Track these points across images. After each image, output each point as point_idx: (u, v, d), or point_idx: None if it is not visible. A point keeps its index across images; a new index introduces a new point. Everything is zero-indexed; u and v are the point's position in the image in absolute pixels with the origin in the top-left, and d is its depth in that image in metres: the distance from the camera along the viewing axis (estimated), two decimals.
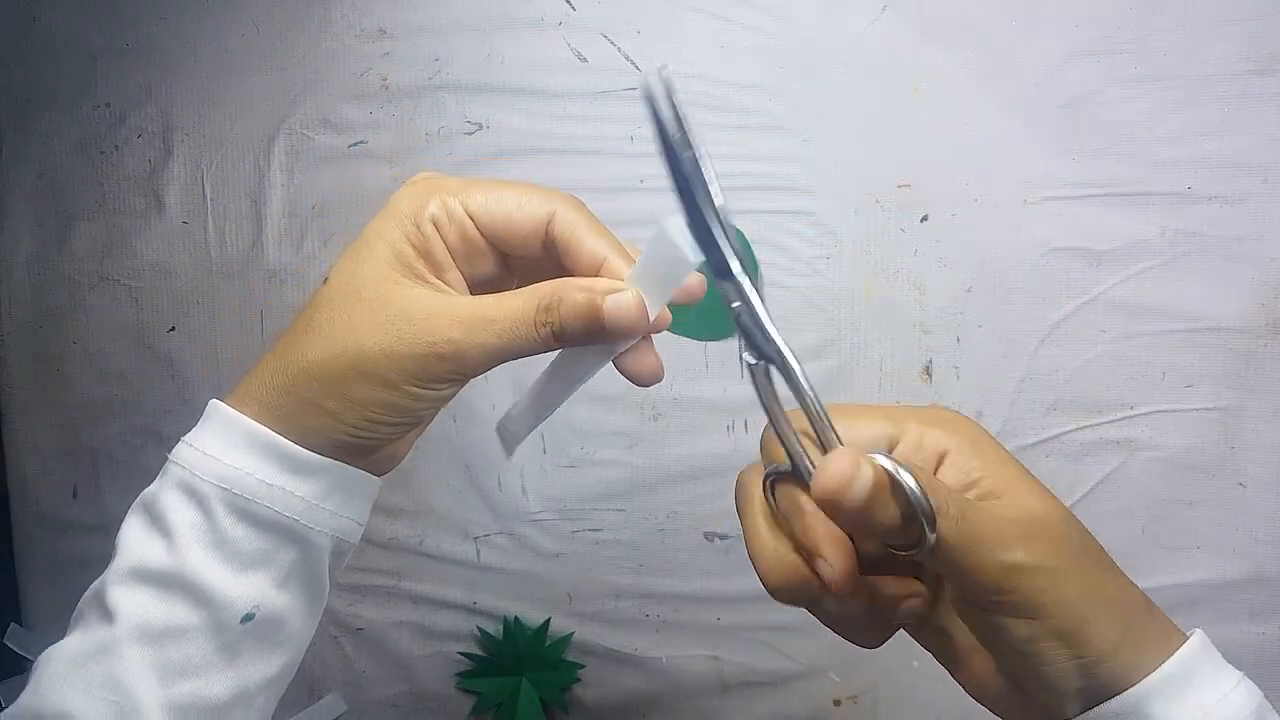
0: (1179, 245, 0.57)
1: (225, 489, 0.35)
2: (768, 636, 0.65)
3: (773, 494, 0.34)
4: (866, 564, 0.33)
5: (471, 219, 0.37)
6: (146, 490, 0.37)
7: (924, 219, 0.60)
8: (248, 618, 0.36)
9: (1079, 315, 0.59)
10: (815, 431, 0.32)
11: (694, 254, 0.34)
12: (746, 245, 0.61)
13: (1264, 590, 0.58)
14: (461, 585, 0.68)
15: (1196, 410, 0.58)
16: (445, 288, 0.37)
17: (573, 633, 0.67)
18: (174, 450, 0.37)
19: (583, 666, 0.67)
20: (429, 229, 0.36)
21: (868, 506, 0.28)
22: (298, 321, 0.37)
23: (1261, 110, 0.55)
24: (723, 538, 0.64)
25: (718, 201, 0.32)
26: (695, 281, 0.38)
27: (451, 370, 0.35)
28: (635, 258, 0.37)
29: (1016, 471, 0.33)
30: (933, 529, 0.29)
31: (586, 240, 0.37)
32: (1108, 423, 0.59)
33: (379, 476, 0.40)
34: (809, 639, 0.64)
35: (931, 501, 0.28)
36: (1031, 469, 0.54)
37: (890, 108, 0.59)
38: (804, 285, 0.61)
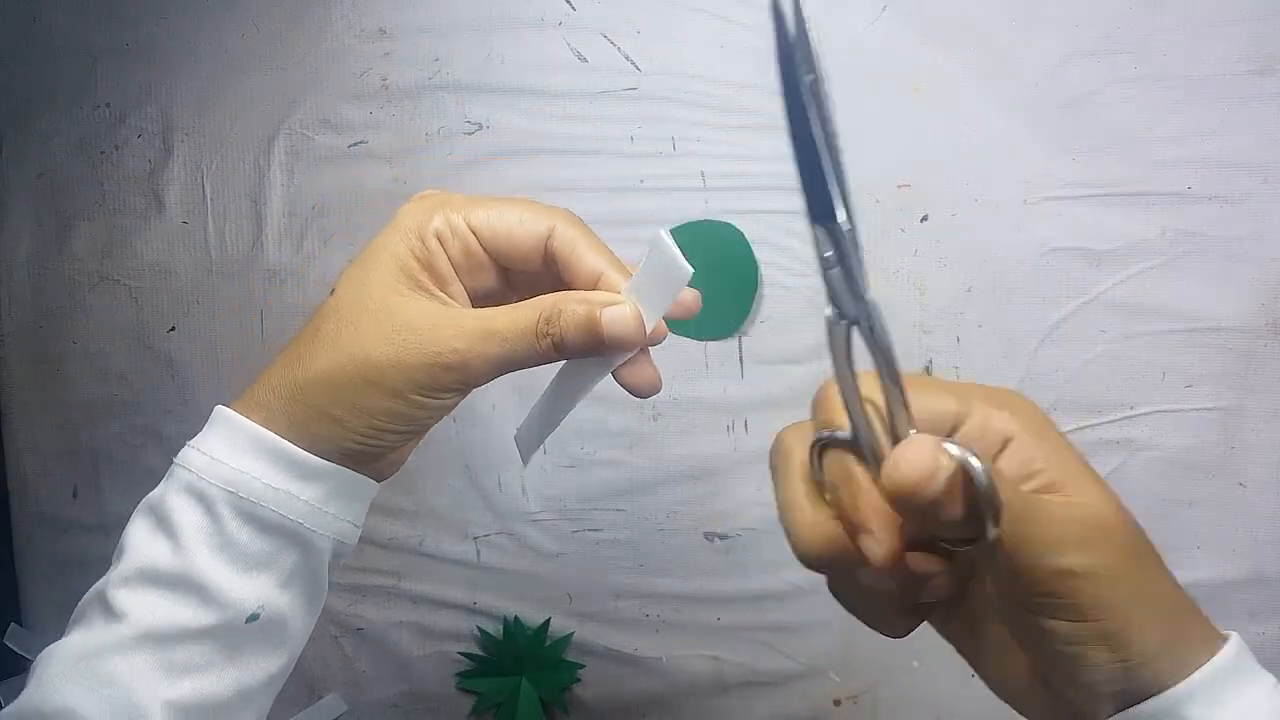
0: (1179, 245, 0.57)
1: (231, 492, 0.36)
2: (768, 636, 0.65)
3: (819, 459, 0.32)
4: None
5: (474, 234, 0.38)
6: (152, 493, 0.38)
7: (924, 219, 0.60)
8: (253, 618, 0.36)
9: (1079, 315, 0.59)
10: (887, 403, 0.30)
11: (689, 263, 0.35)
12: (746, 245, 0.61)
13: (1264, 590, 0.58)
14: (461, 585, 0.68)
15: (1196, 410, 0.58)
16: (449, 300, 0.38)
17: (573, 633, 0.67)
18: (180, 454, 0.38)
19: (583, 666, 0.67)
20: (433, 243, 0.38)
21: (938, 500, 0.27)
22: (305, 331, 0.38)
23: (1261, 110, 0.55)
24: (723, 538, 0.64)
25: (833, 132, 0.29)
26: (690, 297, 0.39)
27: (456, 380, 0.37)
28: (632, 273, 0.38)
29: (1077, 464, 0.31)
30: (995, 526, 0.27)
31: (585, 255, 0.38)
32: (1108, 423, 0.59)
33: (380, 482, 0.41)
34: (809, 639, 0.64)
35: (999, 498, 0.27)
36: None
37: (890, 108, 0.59)
38: (804, 285, 0.61)
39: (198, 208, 0.69)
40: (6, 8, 0.70)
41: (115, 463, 0.72)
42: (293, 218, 0.68)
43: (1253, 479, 0.58)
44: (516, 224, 0.38)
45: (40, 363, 0.73)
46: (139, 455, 0.72)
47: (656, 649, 0.66)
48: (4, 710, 0.36)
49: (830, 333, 0.30)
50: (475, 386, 0.38)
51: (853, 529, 0.30)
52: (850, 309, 0.30)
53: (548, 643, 0.67)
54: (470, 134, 0.64)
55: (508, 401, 0.65)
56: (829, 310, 0.30)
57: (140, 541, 0.37)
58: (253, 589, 0.36)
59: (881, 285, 0.61)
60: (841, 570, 0.32)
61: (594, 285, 0.38)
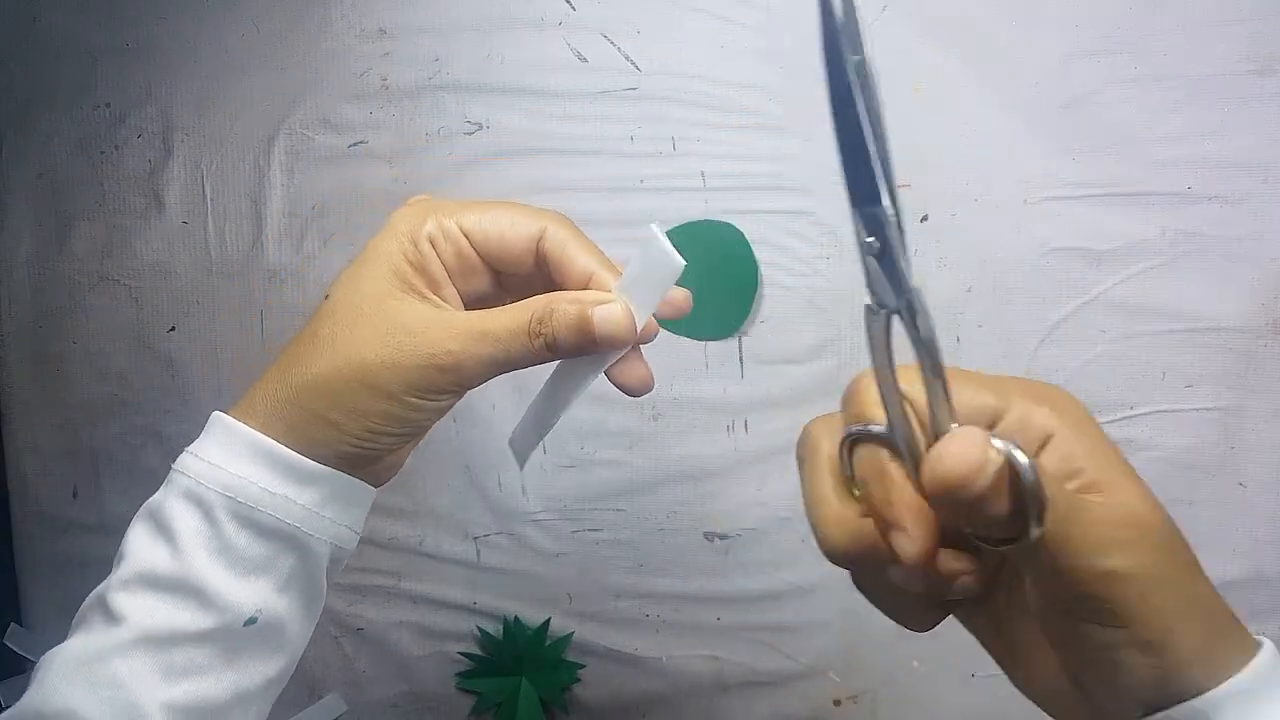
0: (1179, 245, 0.57)
1: (230, 497, 0.36)
2: (768, 636, 0.65)
3: (849, 454, 0.31)
4: None
5: (467, 237, 0.39)
6: (151, 499, 0.38)
7: (924, 219, 0.60)
8: (251, 621, 0.37)
9: (1079, 315, 0.59)
10: (928, 397, 0.28)
11: (680, 256, 0.35)
12: (746, 245, 0.61)
13: (1264, 590, 0.58)
14: (461, 585, 0.68)
15: (1196, 410, 0.58)
16: (442, 303, 0.39)
17: (573, 633, 0.67)
18: (178, 460, 0.38)
19: (583, 666, 0.67)
20: (426, 247, 0.38)
21: (984, 495, 0.26)
22: (300, 337, 0.38)
23: (1261, 110, 0.55)
24: (723, 538, 0.64)
25: (879, 115, 0.28)
26: (681, 296, 0.39)
27: (451, 381, 0.37)
28: (622, 272, 0.38)
29: (1120, 464, 0.31)
30: (1039, 525, 0.26)
31: (576, 256, 0.38)
32: (1108, 423, 0.59)
33: (377, 487, 0.42)
34: (809, 639, 0.64)
35: (1046, 495, 0.26)
36: None
37: (890, 108, 0.59)
38: (804, 285, 0.62)
39: (198, 208, 0.69)
40: (6, 8, 0.70)
41: (115, 463, 0.72)
42: (293, 218, 0.68)
43: (1253, 479, 0.58)
44: (508, 226, 0.39)
45: (40, 363, 0.73)
46: (139, 455, 0.72)
47: (656, 649, 0.66)
48: (6, 712, 0.36)
49: (869, 322, 0.29)
50: (469, 388, 0.38)
51: (885, 525, 0.29)
52: (891, 298, 0.28)
53: (548, 643, 0.67)
54: (470, 134, 0.64)
55: (508, 401, 0.65)
56: (868, 299, 0.29)
57: (140, 546, 0.37)
58: (250, 593, 0.37)
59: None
60: (868, 567, 0.31)
61: (585, 285, 0.38)
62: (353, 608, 0.70)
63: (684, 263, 0.36)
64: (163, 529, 0.37)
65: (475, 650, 0.68)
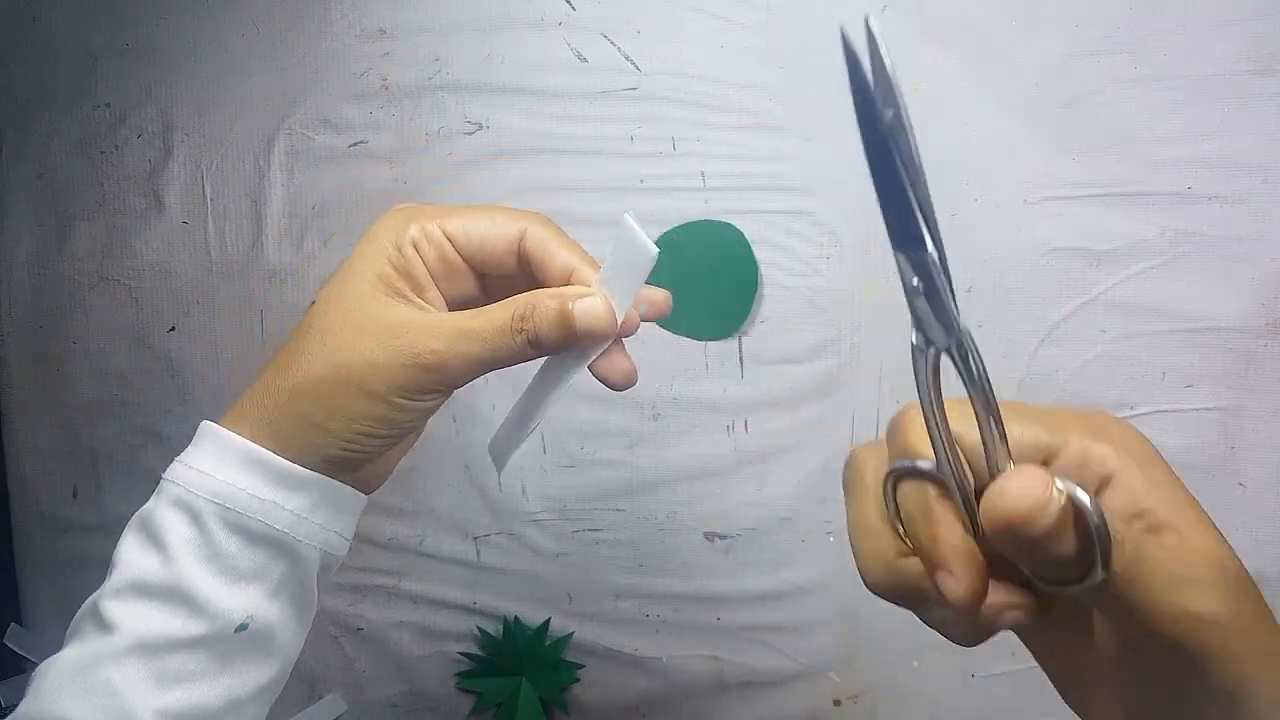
0: (1179, 245, 0.57)
1: (219, 504, 0.37)
2: (768, 636, 0.65)
3: (893, 490, 0.30)
4: None
5: (450, 240, 0.39)
6: (143, 508, 0.38)
7: None
8: (242, 628, 0.37)
9: (1079, 315, 0.59)
10: (981, 436, 0.28)
11: (653, 244, 0.36)
12: (746, 245, 0.61)
13: (1264, 590, 0.57)
14: (461, 585, 0.68)
15: (1196, 410, 0.58)
16: (426, 306, 0.39)
17: (573, 633, 0.67)
18: (168, 469, 0.38)
19: (583, 666, 0.67)
20: (409, 251, 0.39)
21: (1047, 535, 0.25)
22: (288, 344, 0.39)
23: (1261, 110, 0.55)
24: (723, 538, 0.64)
25: (918, 164, 0.28)
26: (660, 297, 0.40)
27: (436, 381, 0.38)
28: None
29: (1189, 503, 0.29)
30: (1106, 567, 0.25)
31: (557, 254, 0.39)
32: None
33: (367, 494, 0.42)
34: (809, 639, 0.64)
35: (1111, 535, 0.25)
36: None
37: None
38: (804, 285, 0.61)
39: (198, 208, 0.69)
40: (6, 8, 0.70)
41: (115, 463, 0.72)
42: (293, 218, 0.68)
43: (1253, 479, 0.58)
44: (489, 228, 0.40)
45: (40, 363, 0.73)
46: (139, 455, 0.72)
47: (656, 649, 0.66)
48: None
49: (915, 360, 0.28)
50: (455, 387, 0.39)
51: (931, 565, 0.28)
52: (939, 337, 0.28)
53: (548, 643, 0.67)
54: (470, 134, 0.64)
55: (507, 402, 0.65)
56: (915, 337, 0.28)
57: (131, 555, 0.37)
58: (241, 599, 0.37)
59: (881, 285, 0.61)
60: (912, 605, 0.31)
61: (567, 282, 0.39)
62: (353, 608, 0.70)
63: (658, 250, 0.36)
64: (153, 537, 0.37)
65: (475, 650, 0.68)
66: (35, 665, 0.66)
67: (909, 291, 0.28)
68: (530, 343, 0.37)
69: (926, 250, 0.28)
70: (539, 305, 0.37)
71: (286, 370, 0.38)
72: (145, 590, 0.36)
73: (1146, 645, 0.28)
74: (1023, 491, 0.25)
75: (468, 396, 0.66)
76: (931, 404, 0.28)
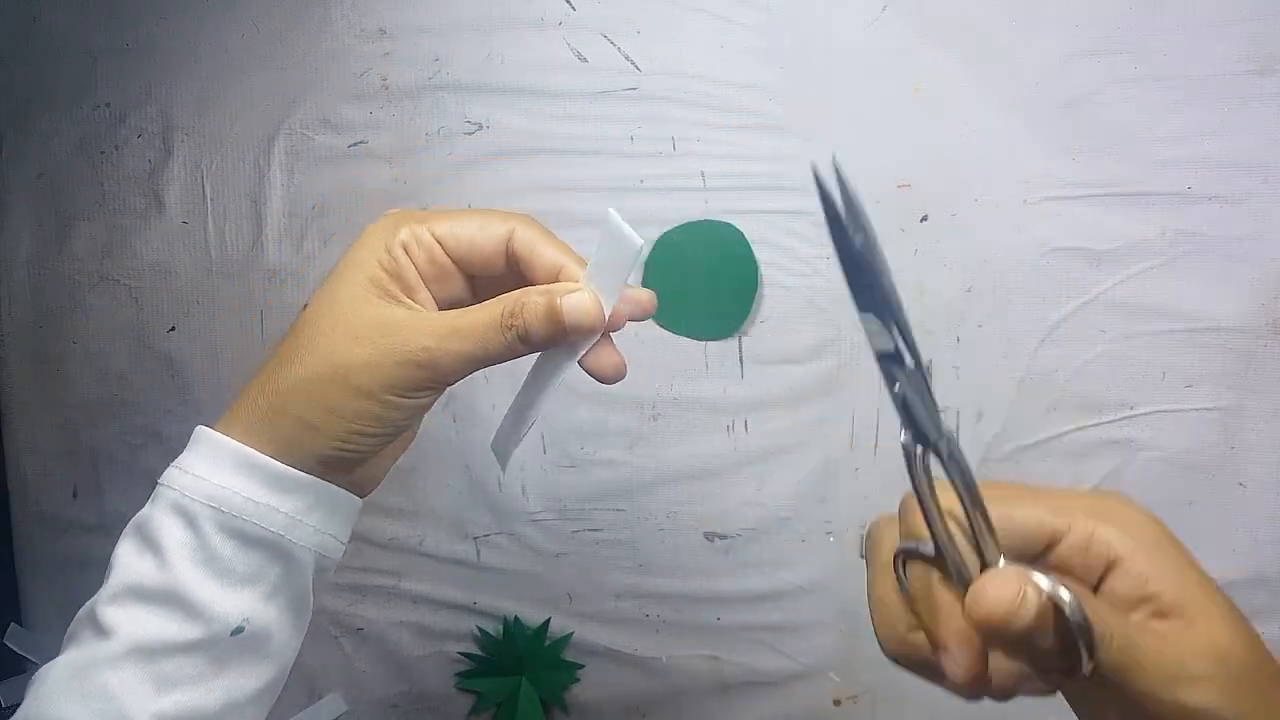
0: (1179, 245, 0.57)
1: (214, 508, 0.37)
2: (768, 636, 0.65)
3: (903, 568, 0.32)
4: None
5: (439, 243, 0.40)
6: (139, 514, 0.39)
7: (924, 219, 0.60)
8: (238, 630, 0.37)
9: (1079, 315, 0.59)
10: (971, 528, 0.29)
11: (638, 236, 0.37)
12: (746, 245, 0.61)
13: (1264, 590, 0.58)
14: (461, 585, 0.68)
15: (1196, 410, 0.58)
16: (417, 306, 0.40)
17: (573, 633, 0.67)
18: (164, 475, 0.39)
19: (582, 666, 0.67)
20: (400, 254, 0.39)
21: (1027, 633, 0.26)
22: (281, 347, 0.39)
23: (1261, 110, 0.55)
24: (723, 537, 0.64)
25: (892, 284, 0.30)
26: (645, 296, 0.40)
27: (428, 378, 0.38)
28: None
29: (1200, 585, 0.29)
30: (1090, 658, 0.26)
31: (544, 252, 0.40)
32: (1108, 423, 0.59)
33: (361, 498, 0.42)
34: (809, 639, 0.64)
35: (1094, 630, 0.26)
36: (1031, 469, 0.53)
37: (890, 108, 0.59)
38: (804, 285, 0.61)
39: (198, 208, 0.69)
40: (6, 8, 0.70)
41: (115, 463, 0.72)
42: (293, 218, 0.68)
43: (1253, 479, 0.58)
44: (477, 230, 0.40)
45: (40, 363, 0.73)
46: (139, 455, 0.72)
47: (656, 649, 0.66)
48: None
49: (906, 457, 0.30)
50: (447, 384, 0.39)
51: (933, 645, 0.30)
52: (927, 434, 0.30)
53: (548, 643, 0.67)
54: (470, 134, 0.64)
55: (507, 401, 0.65)
56: (904, 436, 0.30)
57: (128, 560, 0.38)
58: (237, 602, 0.37)
59: None
60: (923, 674, 0.32)
61: (555, 280, 0.40)
62: (353, 608, 0.70)
63: (642, 241, 0.37)
64: (149, 542, 0.37)
65: (475, 650, 0.68)
66: (35, 665, 0.66)
67: (894, 397, 0.30)
68: (520, 338, 0.38)
69: (905, 362, 0.30)
70: (528, 301, 0.38)
71: (280, 372, 0.38)
72: (142, 594, 0.37)
73: None
74: (997, 595, 0.26)
75: (468, 397, 0.66)
76: (926, 497, 0.30)
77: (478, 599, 0.68)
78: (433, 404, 0.40)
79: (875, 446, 0.62)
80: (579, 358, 0.40)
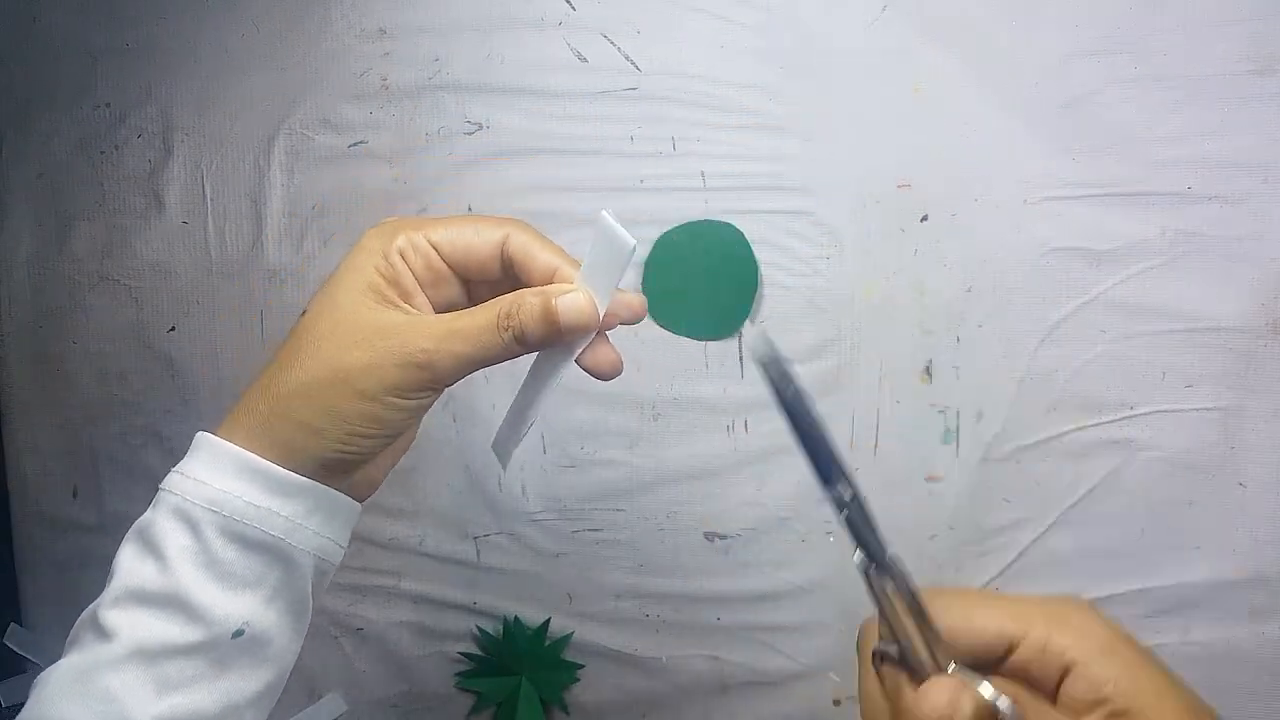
0: (1179, 245, 0.57)
1: (215, 512, 0.38)
2: (768, 636, 0.65)
3: (879, 665, 0.34)
4: None
5: (435, 249, 0.41)
6: (141, 519, 0.39)
7: (924, 219, 0.60)
8: (238, 633, 0.38)
9: (1079, 315, 0.59)
10: (925, 640, 0.32)
11: (630, 237, 0.38)
12: (746, 245, 0.61)
13: (1264, 590, 0.58)
14: (461, 585, 0.68)
15: (1196, 410, 0.58)
16: (414, 311, 0.41)
17: (573, 633, 0.67)
18: (165, 480, 0.39)
19: (582, 666, 0.67)
20: (396, 259, 0.40)
21: None
22: (280, 353, 0.40)
23: (1261, 110, 0.55)
24: (723, 538, 0.64)
25: (821, 421, 0.36)
26: (637, 301, 0.42)
27: (427, 379, 0.39)
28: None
29: (1155, 686, 0.30)
30: None
31: (539, 255, 0.41)
32: (1108, 423, 0.59)
33: (360, 503, 0.43)
34: (809, 639, 0.64)
35: None
36: (1031, 469, 0.53)
37: (890, 108, 0.59)
38: (804, 285, 0.62)
39: (198, 208, 0.69)
40: (6, 8, 0.70)
41: (115, 463, 0.72)
42: (293, 218, 0.68)
43: (1253, 479, 0.58)
44: (473, 235, 0.41)
45: (40, 363, 0.73)
46: (139, 455, 0.72)
47: (656, 649, 0.66)
48: None
49: (866, 575, 0.34)
50: (445, 385, 0.40)
51: None
52: (873, 554, 0.33)
53: (548, 643, 0.67)
54: (470, 134, 0.64)
55: (507, 401, 0.65)
56: (857, 556, 0.34)
57: (130, 564, 0.38)
58: (238, 605, 0.38)
59: (881, 285, 0.61)
60: None
61: (550, 281, 0.40)
62: (353, 608, 0.70)
63: (634, 242, 0.38)
64: (151, 546, 0.38)
65: (475, 650, 0.68)
66: (35, 665, 0.66)
67: (839, 521, 0.34)
68: (516, 339, 0.39)
69: (839, 491, 0.34)
70: (523, 303, 0.39)
71: (280, 377, 0.39)
72: (143, 598, 0.37)
73: None
74: (933, 703, 0.29)
75: (467, 397, 0.66)
76: (886, 606, 0.33)
77: (478, 599, 0.68)
78: (431, 405, 0.41)
79: (875, 446, 0.62)
80: (576, 357, 0.41)
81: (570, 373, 0.41)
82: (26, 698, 0.37)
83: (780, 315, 0.62)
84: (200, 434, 0.40)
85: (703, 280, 0.62)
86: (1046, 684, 0.31)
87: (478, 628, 0.68)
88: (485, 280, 0.43)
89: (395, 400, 0.39)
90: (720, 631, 0.65)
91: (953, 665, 0.31)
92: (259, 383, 0.40)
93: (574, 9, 0.62)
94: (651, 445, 0.64)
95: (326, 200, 0.67)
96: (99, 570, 0.38)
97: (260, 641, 0.39)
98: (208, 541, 0.37)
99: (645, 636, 0.66)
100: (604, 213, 0.38)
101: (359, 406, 0.38)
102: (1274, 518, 0.58)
